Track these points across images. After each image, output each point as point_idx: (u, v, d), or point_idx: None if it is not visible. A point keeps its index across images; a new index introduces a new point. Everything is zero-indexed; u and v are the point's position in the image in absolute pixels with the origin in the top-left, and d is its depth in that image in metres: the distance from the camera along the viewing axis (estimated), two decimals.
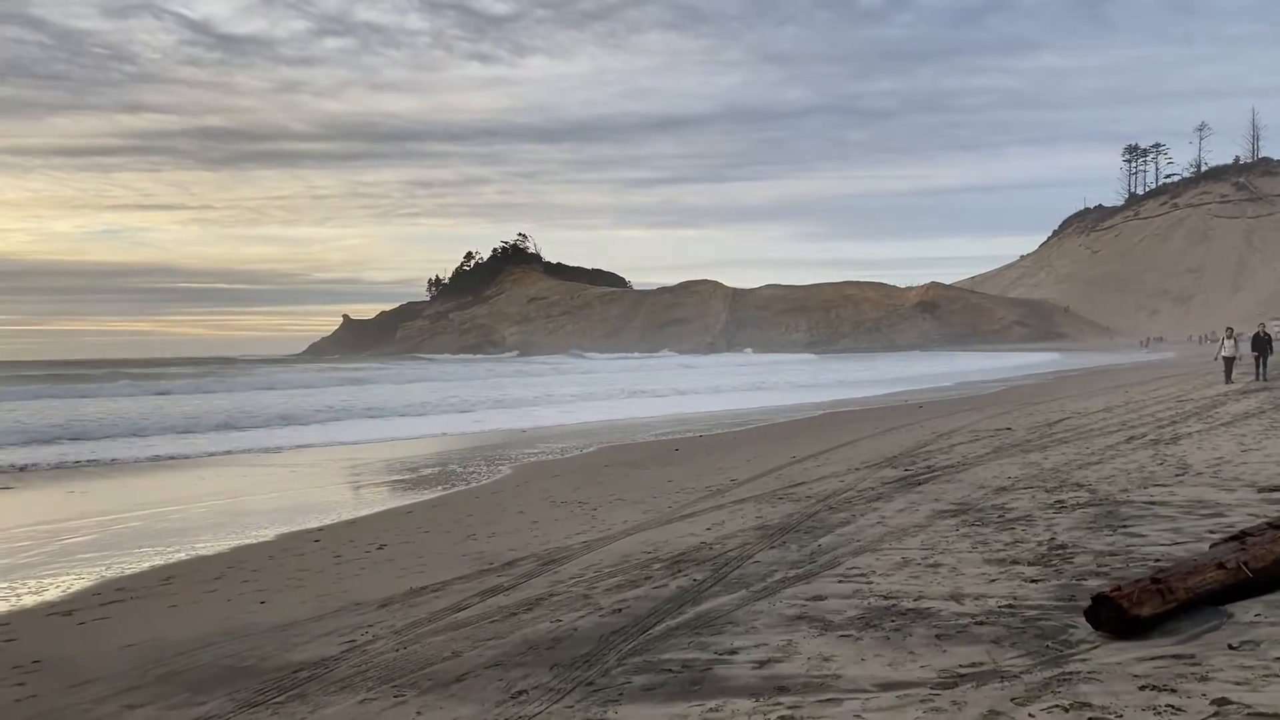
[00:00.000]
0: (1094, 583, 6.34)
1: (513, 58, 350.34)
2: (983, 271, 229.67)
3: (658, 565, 8.38)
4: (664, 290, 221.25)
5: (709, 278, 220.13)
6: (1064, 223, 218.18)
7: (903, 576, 7.08)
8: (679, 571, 8.03)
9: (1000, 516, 9.16)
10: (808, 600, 6.60)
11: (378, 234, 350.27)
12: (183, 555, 10.82)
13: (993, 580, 6.74)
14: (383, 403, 38.37)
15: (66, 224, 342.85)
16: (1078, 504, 9.41)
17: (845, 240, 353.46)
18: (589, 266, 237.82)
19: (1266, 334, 30.20)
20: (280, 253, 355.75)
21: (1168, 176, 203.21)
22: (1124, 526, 8.09)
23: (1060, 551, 7.38)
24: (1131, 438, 15.08)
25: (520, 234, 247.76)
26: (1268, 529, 6.01)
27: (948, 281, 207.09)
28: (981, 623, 5.70)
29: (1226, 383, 27.89)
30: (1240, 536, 5.96)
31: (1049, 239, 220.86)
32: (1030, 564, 7.10)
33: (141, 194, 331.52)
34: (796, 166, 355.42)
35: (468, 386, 52.20)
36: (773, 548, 8.72)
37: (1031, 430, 18.17)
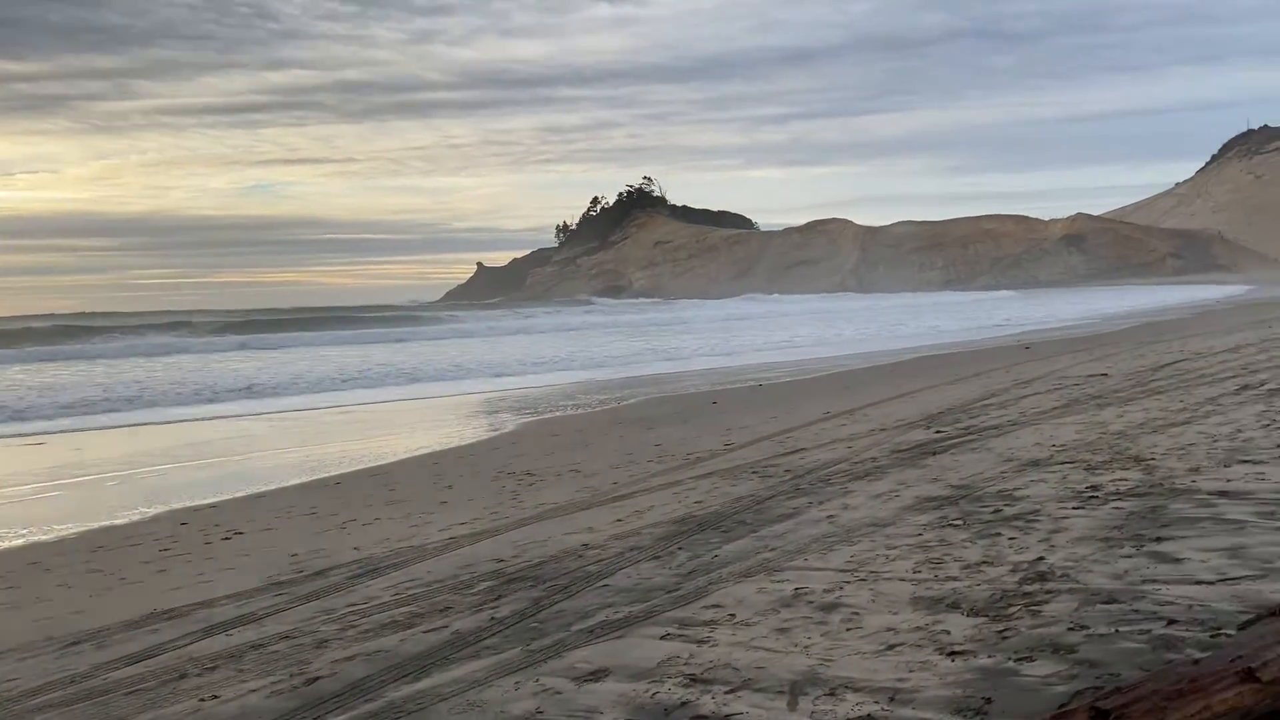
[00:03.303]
0: (1041, 667, 3.67)
1: None
2: (1134, 201, 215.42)
3: (482, 585, 6.01)
4: (791, 231, 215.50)
5: (840, 216, 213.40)
6: (1224, 146, 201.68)
7: (764, 630, 4.52)
8: (494, 599, 5.65)
9: (996, 512, 6.41)
10: (577, 679, 4.13)
11: (511, 182, 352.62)
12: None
13: (891, 647, 4.12)
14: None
15: (220, 180, 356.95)
16: (1117, 492, 6.56)
17: (985, 172, 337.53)
18: (716, 209, 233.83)
19: None
20: (420, 203, 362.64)
21: None
22: (1159, 539, 5.27)
23: (1034, 588, 4.67)
24: (1245, 386, 11.80)
25: (645, 177, 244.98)
26: None
27: (1096, 213, 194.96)
28: None
29: None
30: None
31: (1207, 164, 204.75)
32: (973, 612, 4.43)
33: (288, 149, 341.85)
34: (934, 96, 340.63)
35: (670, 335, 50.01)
36: (655, 558, 6.23)
37: (1129, 376, 14.90)
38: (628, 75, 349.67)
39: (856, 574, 5.26)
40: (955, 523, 6.24)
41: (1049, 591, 4.56)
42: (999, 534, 5.80)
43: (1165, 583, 4.48)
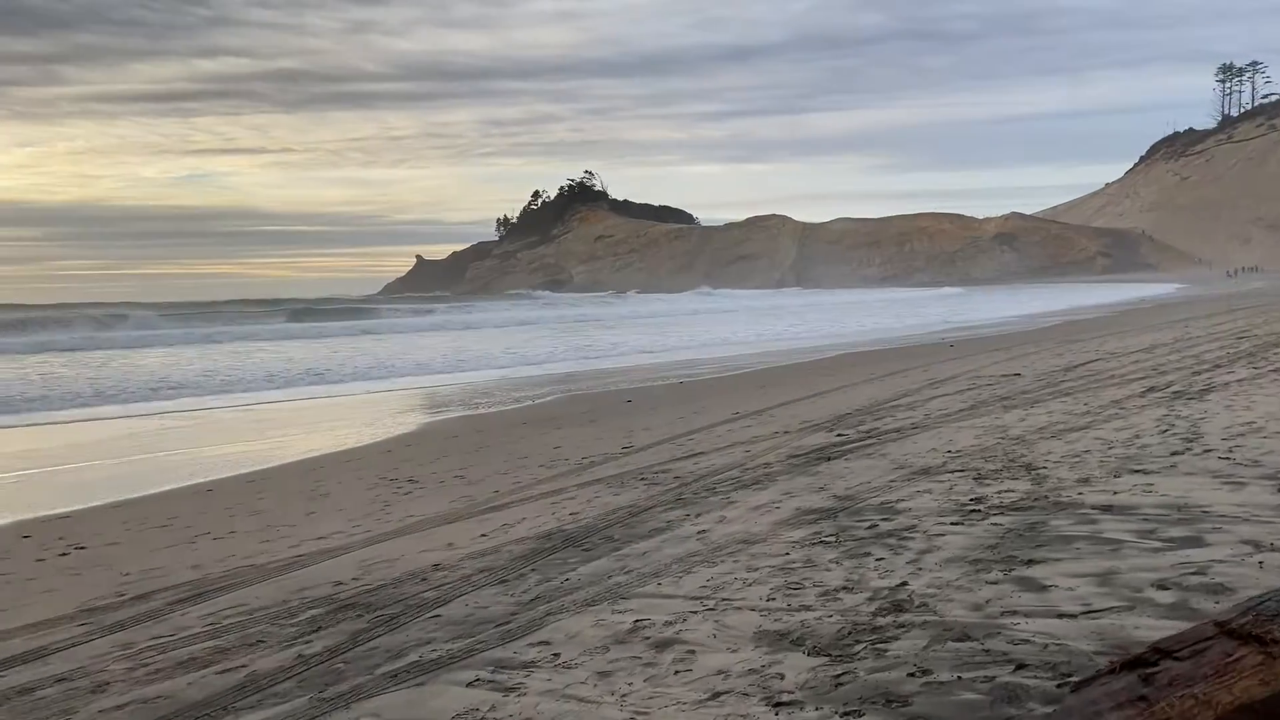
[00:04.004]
0: None
1: None
2: (1065, 201, 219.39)
3: (307, 614, 5.46)
4: (732, 227, 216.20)
5: (780, 213, 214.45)
6: (1151, 148, 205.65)
7: (585, 673, 4.03)
8: (312, 631, 5.09)
9: (872, 527, 5.99)
10: None
11: (452, 174, 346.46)
12: None
13: (716, 695, 3.66)
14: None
15: (152, 169, 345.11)
16: (999, 506, 6.19)
17: (922, 171, 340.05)
18: (656, 204, 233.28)
19: None
20: (358, 195, 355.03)
21: (1265, 96, 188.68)
22: (1031, 561, 4.87)
23: (886, 621, 4.24)
24: (1152, 388, 11.61)
25: (587, 171, 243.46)
26: (1211, 640, 2.80)
27: (1029, 212, 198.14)
28: None
29: None
30: (1147, 661, 2.76)
31: (1135, 165, 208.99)
32: (816, 650, 3.99)
33: (222, 138, 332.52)
34: (872, 95, 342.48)
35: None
36: (502, 581, 5.72)
37: (1040, 377, 14.72)
38: (569, 69, 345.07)
39: (706, 602, 4.80)
40: (828, 539, 5.82)
41: (901, 625, 4.14)
42: (868, 553, 5.38)
43: (1026, 615, 4.08)
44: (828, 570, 5.13)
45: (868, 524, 6.09)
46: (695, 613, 4.65)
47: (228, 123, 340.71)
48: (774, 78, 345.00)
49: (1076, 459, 7.54)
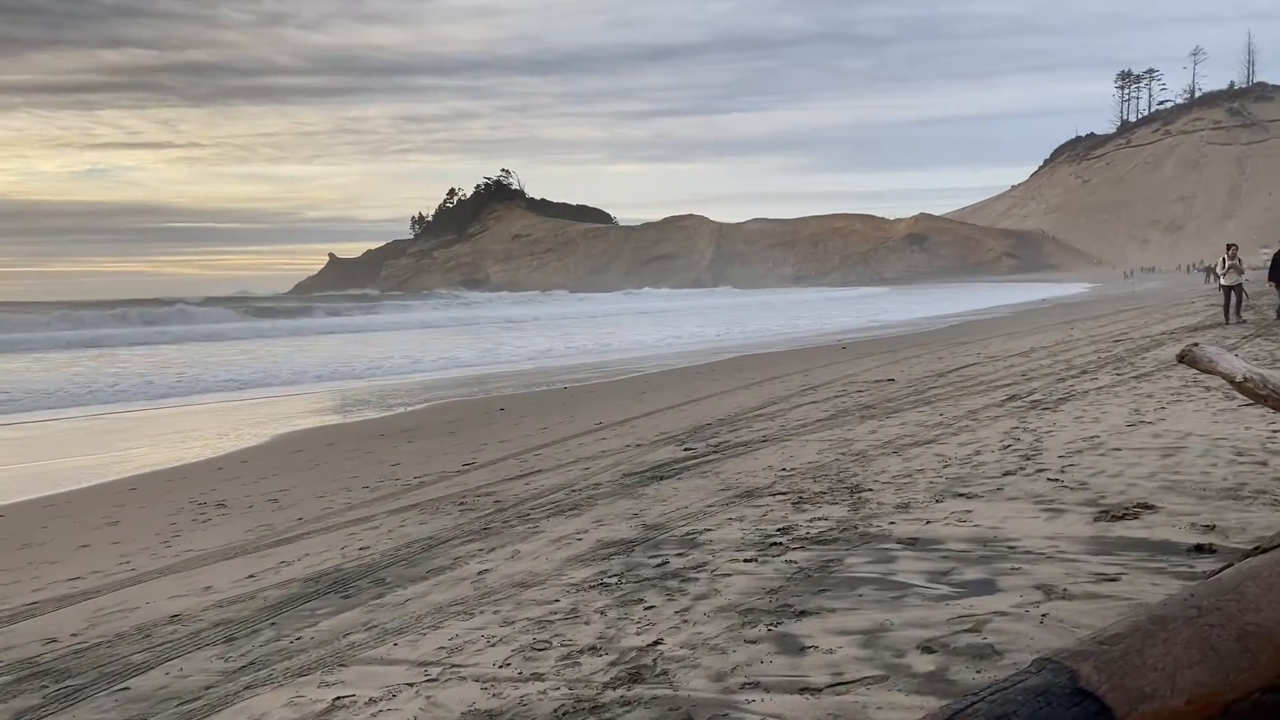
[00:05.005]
0: None
1: None
2: (974, 203, 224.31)
3: None
4: (649, 226, 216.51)
5: (698, 213, 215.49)
6: (1055, 151, 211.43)
7: None
8: None
9: (662, 565, 5.38)
10: None
11: (368, 171, 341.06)
12: None
13: None
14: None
15: (51, 164, 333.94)
16: (805, 537, 5.62)
17: (837, 172, 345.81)
18: (575, 203, 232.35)
19: None
20: (270, 191, 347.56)
21: (1161, 103, 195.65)
22: (804, 612, 4.28)
23: (614, 696, 3.60)
24: (1013, 397, 11.28)
25: (503, 170, 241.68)
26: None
27: (939, 213, 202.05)
28: None
29: (1226, 323, 19.67)
30: None
31: (1040, 168, 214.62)
32: None
33: (127, 132, 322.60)
34: (790, 97, 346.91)
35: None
36: (228, 640, 4.98)
37: (912, 383, 14.38)
38: (488, 66, 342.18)
39: (432, 670, 4.12)
40: (609, 581, 5.19)
41: (627, 703, 3.51)
42: (641, 600, 4.76)
43: (767, 689, 3.48)
44: (586, 624, 4.49)
45: (659, 560, 5.48)
46: (412, 685, 3.97)
47: (132, 116, 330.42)
48: (694, 78, 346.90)
49: (907, 479, 7.05)
